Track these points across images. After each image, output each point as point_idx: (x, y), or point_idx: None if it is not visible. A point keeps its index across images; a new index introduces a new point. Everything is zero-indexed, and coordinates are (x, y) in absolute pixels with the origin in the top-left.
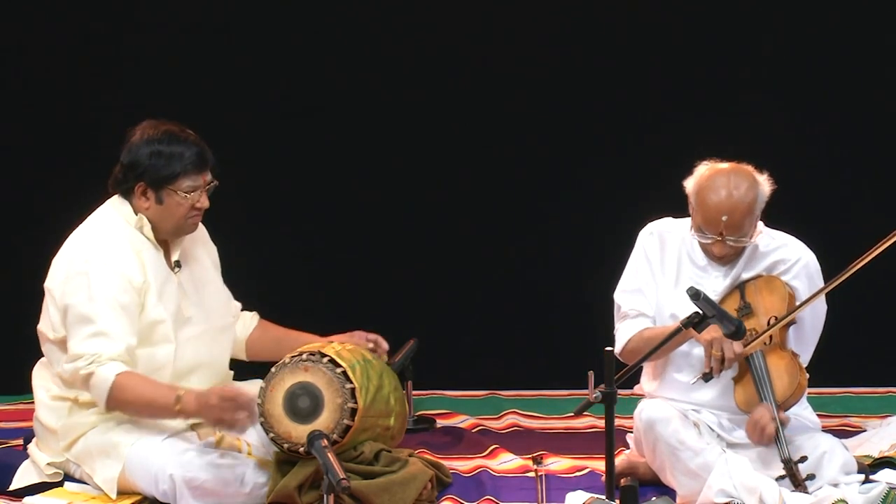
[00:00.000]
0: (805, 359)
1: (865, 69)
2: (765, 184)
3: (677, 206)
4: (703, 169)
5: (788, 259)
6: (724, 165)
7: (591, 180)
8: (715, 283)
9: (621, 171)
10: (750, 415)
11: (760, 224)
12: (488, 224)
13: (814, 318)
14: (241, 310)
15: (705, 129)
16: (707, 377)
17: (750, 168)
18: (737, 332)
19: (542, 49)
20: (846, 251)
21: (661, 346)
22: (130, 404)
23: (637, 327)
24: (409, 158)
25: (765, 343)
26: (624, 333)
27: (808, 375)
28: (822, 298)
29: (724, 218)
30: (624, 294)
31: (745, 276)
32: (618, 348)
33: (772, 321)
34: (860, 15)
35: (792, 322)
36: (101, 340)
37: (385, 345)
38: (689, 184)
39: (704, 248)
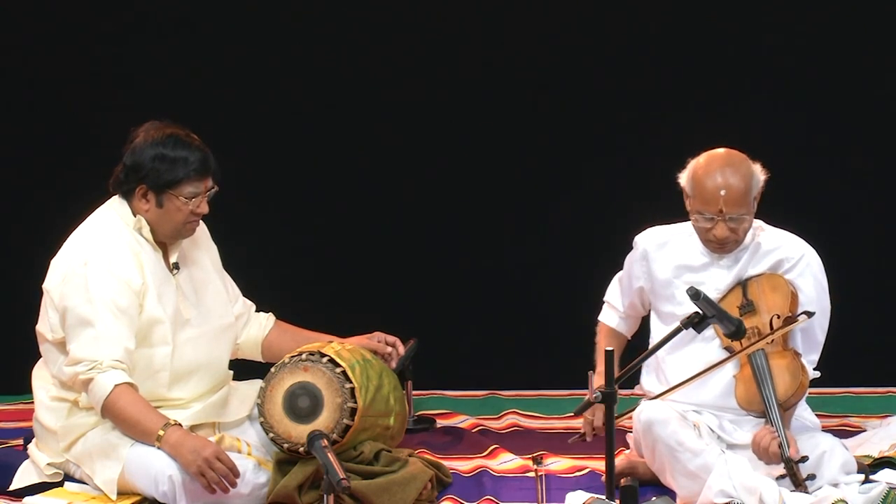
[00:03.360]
0: (813, 359)
1: (865, 67)
2: (758, 169)
3: (677, 207)
4: (696, 158)
5: (792, 257)
6: (717, 150)
7: (592, 181)
8: (717, 281)
9: (621, 172)
10: (751, 441)
11: (762, 222)
12: (489, 224)
13: (818, 315)
14: (255, 310)
15: (705, 131)
16: (582, 438)
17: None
18: (737, 332)
19: (541, 49)
20: (847, 249)
21: (658, 346)
22: (119, 418)
23: (604, 318)
24: (409, 158)
25: (767, 342)
26: (601, 314)
27: (819, 373)
28: (826, 296)
29: (722, 192)
30: (614, 280)
31: (749, 273)
32: (599, 316)
33: (774, 320)
34: (860, 13)
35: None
36: (101, 345)
37: (401, 349)
38: (684, 175)
39: (705, 236)
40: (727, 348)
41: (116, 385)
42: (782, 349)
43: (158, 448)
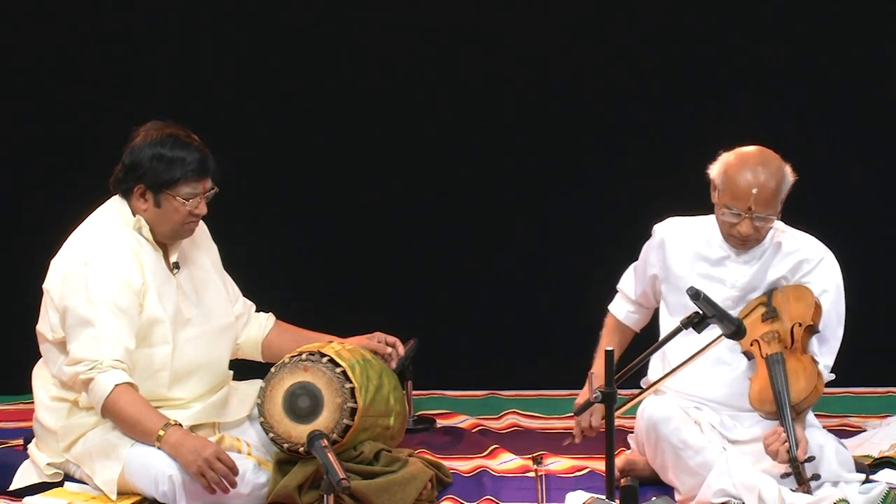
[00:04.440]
0: (828, 363)
1: (874, 65)
2: (789, 171)
3: (677, 206)
4: (729, 153)
5: (812, 259)
6: (751, 147)
7: (592, 180)
8: (735, 276)
9: (621, 170)
10: (763, 445)
11: (782, 223)
12: (488, 224)
13: (834, 320)
14: (255, 310)
15: (706, 129)
16: (573, 441)
17: None
18: (737, 333)
19: (543, 46)
20: (847, 249)
21: (659, 346)
22: (119, 418)
23: (613, 308)
24: (409, 158)
25: (786, 346)
26: (612, 304)
27: (833, 376)
28: (842, 301)
29: (753, 191)
30: (630, 268)
31: (771, 273)
32: (609, 305)
33: (795, 328)
34: (877, 10)
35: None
36: (101, 344)
37: (401, 350)
38: (715, 168)
39: (728, 230)
40: (745, 353)
41: (116, 385)
42: (800, 354)
43: (158, 448)
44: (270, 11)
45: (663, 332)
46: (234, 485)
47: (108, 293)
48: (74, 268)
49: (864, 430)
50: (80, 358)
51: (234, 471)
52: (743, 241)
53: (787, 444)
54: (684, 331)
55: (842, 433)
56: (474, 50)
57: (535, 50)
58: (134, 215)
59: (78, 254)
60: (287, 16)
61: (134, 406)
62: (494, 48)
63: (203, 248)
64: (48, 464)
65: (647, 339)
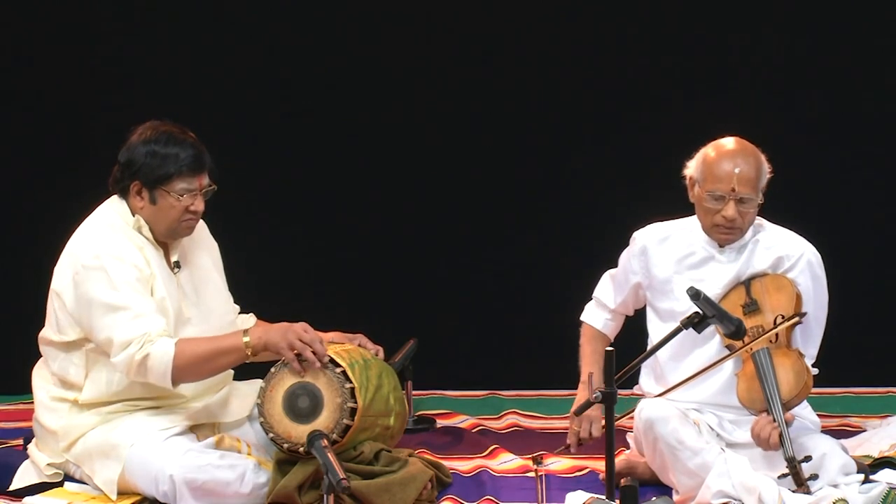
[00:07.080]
0: (812, 353)
1: (865, 62)
2: (765, 161)
3: (676, 204)
4: (704, 148)
5: (792, 255)
6: (727, 138)
7: (590, 180)
8: (719, 277)
9: (619, 170)
10: (751, 427)
11: (763, 220)
12: (488, 224)
13: (817, 310)
14: (239, 312)
15: (700, 129)
16: (567, 449)
17: None
18: (737, 332)
19: (537, 48)
20: (847, 249)
21: (658, 347)
22: (197, 364)
23: (588, 318)
24: (408, 158)
25: (770, 341)
26: (585, 314)
27: (817, 370)
28: (825, 292)
29: (736, 170)
30: (605, 277)
31: (751, 271)
32: (583, 316)
33: (778, 319)
34: (861, 7)
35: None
36: (143, 321)
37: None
38: (691, 165)
39: (713, 219)
40: (728, 346)
41: (175, 344)
42: (786, 349)
43: (250, 356)
44: (270, 11)
45: (653, 338)
46: (322, 354)
47: (129, 277)
48: (87, 263)
49: (864, 430)
50: (128, 339)
51: (321, 339)
52: (729, 229)
53: (779, 429)
54: (684, 331)
55: (842, 433)
56: (466, 52)
57: (529, 52)
58: (133, 215)
59: (86, 250)
60: (288, 16)
61: (202, 345)
62: (495, 52)
63: (203, 247)
64: (48, 464)
65: (635, 342)
